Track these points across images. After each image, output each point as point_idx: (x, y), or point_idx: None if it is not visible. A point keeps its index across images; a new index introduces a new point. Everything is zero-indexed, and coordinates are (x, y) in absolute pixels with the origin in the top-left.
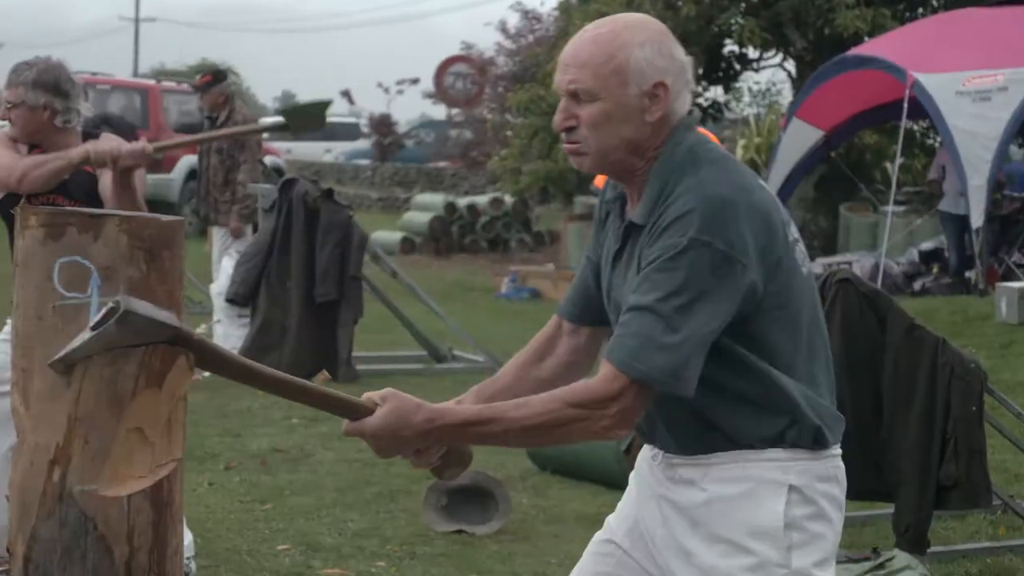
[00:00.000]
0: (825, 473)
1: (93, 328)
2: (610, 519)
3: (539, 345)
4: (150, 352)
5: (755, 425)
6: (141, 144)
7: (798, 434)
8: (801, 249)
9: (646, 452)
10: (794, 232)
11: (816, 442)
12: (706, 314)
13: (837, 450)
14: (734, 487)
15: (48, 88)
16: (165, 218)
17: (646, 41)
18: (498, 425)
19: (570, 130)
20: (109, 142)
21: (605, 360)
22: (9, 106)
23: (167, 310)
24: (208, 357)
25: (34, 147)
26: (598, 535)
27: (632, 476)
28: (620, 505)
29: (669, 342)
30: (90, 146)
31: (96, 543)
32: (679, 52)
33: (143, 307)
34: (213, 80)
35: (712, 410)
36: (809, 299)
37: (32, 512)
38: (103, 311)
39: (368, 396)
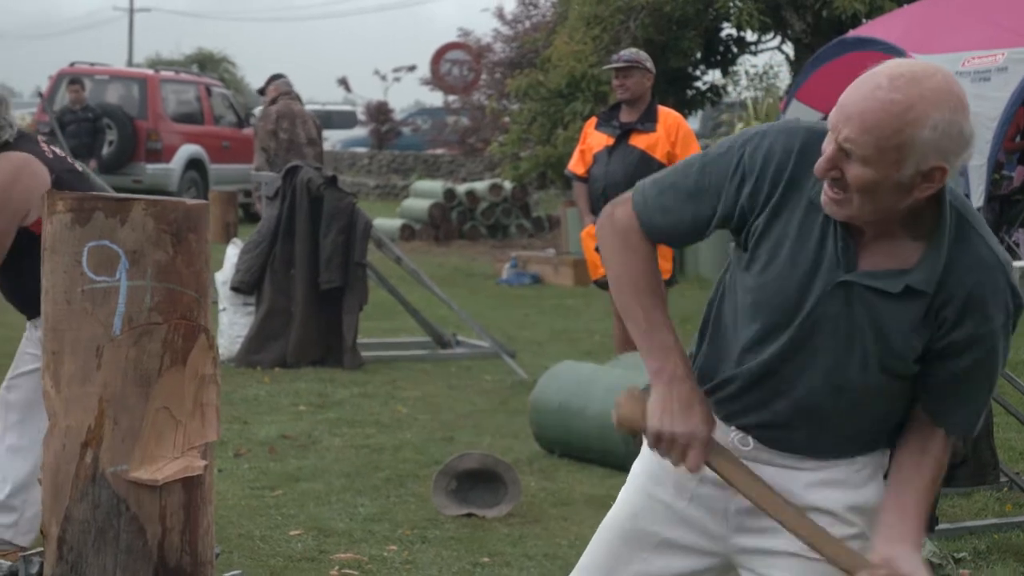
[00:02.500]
0: None
1: None
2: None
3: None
4: (172, 329)
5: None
6: None
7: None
8: None
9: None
10: None
11: None
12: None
13: None
14: (855, 468)
15: None
16: (191, 201)
17: (940, 122)
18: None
19: (835, 179)
20: None
21: (945, 429)
22: None
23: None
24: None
25: None
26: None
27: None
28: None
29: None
30: None
31: (129, 524)
32: (968, 128)
33: None
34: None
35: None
36: None
37: (65, 494)
38: None
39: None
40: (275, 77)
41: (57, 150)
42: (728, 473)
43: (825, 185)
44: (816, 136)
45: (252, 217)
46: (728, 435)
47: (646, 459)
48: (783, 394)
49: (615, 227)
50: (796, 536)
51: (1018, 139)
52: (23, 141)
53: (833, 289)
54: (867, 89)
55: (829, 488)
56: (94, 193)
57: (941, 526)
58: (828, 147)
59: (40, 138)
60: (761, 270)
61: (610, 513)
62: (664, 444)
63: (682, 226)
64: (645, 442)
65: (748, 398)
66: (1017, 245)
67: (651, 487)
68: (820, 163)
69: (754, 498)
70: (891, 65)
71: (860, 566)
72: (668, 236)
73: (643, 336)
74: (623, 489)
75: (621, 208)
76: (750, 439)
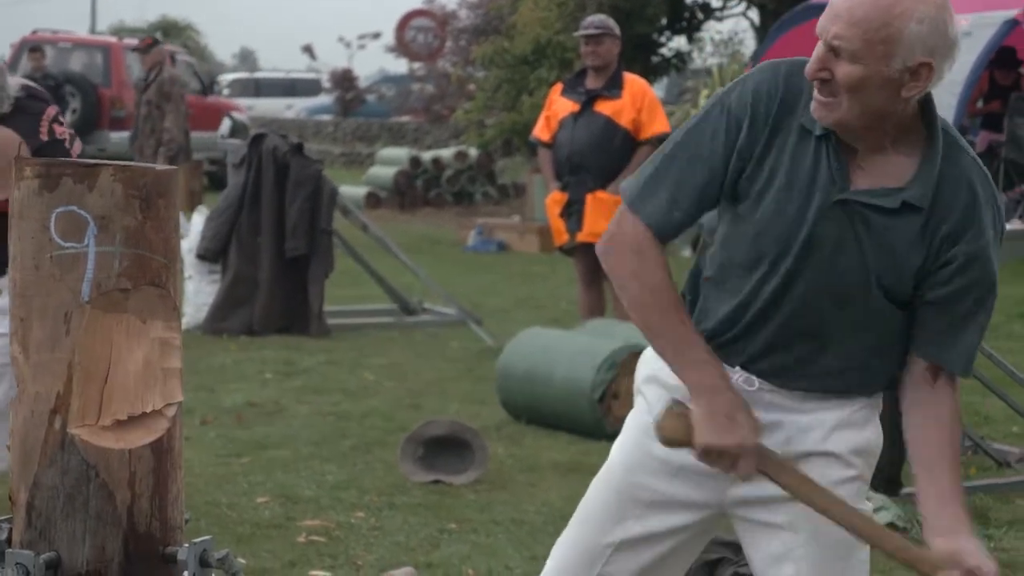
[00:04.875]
0: None
1: None
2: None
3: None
4: (141, 294)
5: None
6: None
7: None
8: None
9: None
10: None
11: None
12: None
13: None
14: (850, 409)
15: None
16: (160, 167)
17: (926, 16)
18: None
19: (823, 82)
20: None
21: (945, 368)
22: None
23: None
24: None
25: None
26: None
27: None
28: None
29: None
30: None
31: (98, 490)
32: (953, 29)
33: None
34: (153, 43)
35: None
36: None
37: (34, 460)
38: None
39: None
40: (157, 42)
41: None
42: (780, 477)
43: (815, 92)
44: (798, 65)
45: (218, 185)
46: (732, 376)
47: (640, 413)
48: (785, 322)
49: (624, 244)
50: (853, 533)
51: (981, 103)
52: (16, 114)
53: (830, 209)
54: None
55: (832, 430)
56: (62, 159)
57: (906, 490)
58: (817, 50)
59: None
60: (756, 202)
61: (604, 467)
62: (714, 457)
63: (699, 205)
64: (636, 398)
65: (751, 333)
66: None
67: (645, 441)
68: (810, 65)
69: (806, 498)
70: None
71: (924, 560)
72: (686, 224)
73: (675, 353)
74: (617, 443)
75: (624, 223)
76: (755, 379)
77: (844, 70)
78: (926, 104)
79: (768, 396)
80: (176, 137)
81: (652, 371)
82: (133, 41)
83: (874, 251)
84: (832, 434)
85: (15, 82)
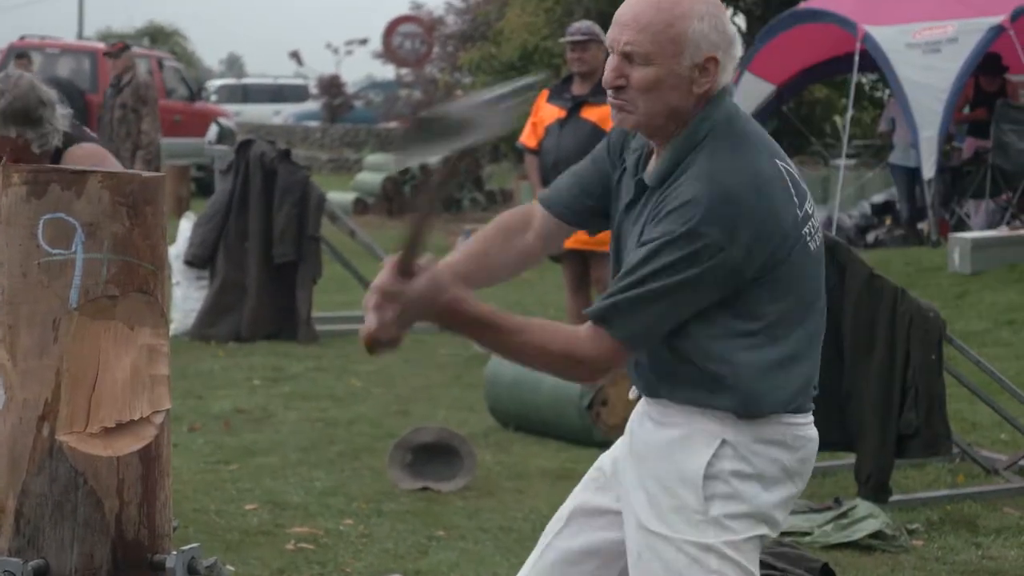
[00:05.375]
0: (772, 437)
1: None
2: (608, 451)
3: (523, 216)
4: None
5: (704, 394)
6: None
7: (741, 404)
8: (813, 223)
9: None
10: (808, 206)
11: (765, 412)
12: (686, 302)
13: (798, 418)
14: (675, 431)
15: (19, 120)
16: (147, 174)
17: (705, 14)
18: (507, 336)
19: (618, 88)
20: None
21: (594, 314)
22: None
23: None
24: None
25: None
26: (595, 464)
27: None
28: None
29: (647, 315)
30: None
31: (86, 497)
32: (730, 27)
33: None
34: (124, 48)
35: (672, 368)
36: (810, 272)
37: (22, 467)
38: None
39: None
40: (127, 46)
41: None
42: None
43: (610, 99)
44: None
45: (205, 191)
46: (631, 395)
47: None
48: None
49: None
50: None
51: (967, 110)
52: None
53: (626, 210)
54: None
55: (663, 455)
56: (49, 165)
57: (894, 497)
58: (610, 61)
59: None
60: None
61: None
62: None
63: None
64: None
65: None
66: (968, 216)
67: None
68: (606, 75)
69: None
70: None
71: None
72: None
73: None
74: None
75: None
76: (634, 389)
77: (639, 73)
78: (706, 107)
79: (643, 406)
80: (155, 140)
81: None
82: None
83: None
84: (661, 458)
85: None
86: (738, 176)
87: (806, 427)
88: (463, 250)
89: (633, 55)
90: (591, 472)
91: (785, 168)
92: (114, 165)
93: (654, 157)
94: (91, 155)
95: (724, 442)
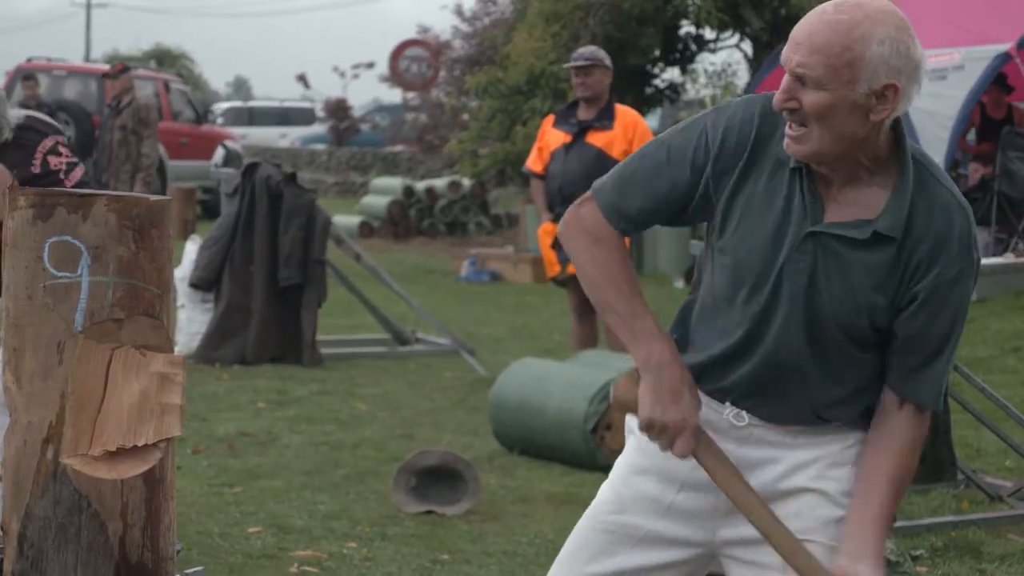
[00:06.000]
0: None
1: None
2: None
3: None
4: (134, 325)
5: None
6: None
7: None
8: None
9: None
10: None
11: None
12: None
13: None
14: (837, 445)
15: None
16: (153, 197)
17: (886, 37)
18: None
19: (791, 111)
20: None
21: (913, 401)
22: None
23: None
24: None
25: None
26: (603, 517)
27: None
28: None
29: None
30: None
31: (90, 520)
32: (916, 51)
33: None
34: (124, 69)
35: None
36: None
37: (26, 490)
38: None
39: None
40: (127, 68)
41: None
42: (711, 465)
43: (785, 126)
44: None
45: (211, 213)
46: (723, 412)
47: (630, 452)
48: (766, 354)
49: (581, 225)
50: (765, 538)
51: (973, 135)
52: (11, 147)
53: (802, 242)
54: (814, 17)
55: (826, 467)
56: (56, 189)
57: (898, 523)
58: (784, 81)
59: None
60: (733, 234)
61: (591, 507)
62: (655, 431)
63: (657, 200)
64: (628, 437)
65: (736, 367)
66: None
67: (636, 480)
68: (777, 96)
69: (731, 494)
70: None
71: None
72: (642, 216)
73: (625, 325)
74: (605, 484)
75: (584, 207)
76: (744, 415)
77: (811, 98)
78: (899, 132)
79: (758, 432)
80: (155, 163)
81: None
82: None
83: (842, 284)
84: (826, 472)
85: (16, 113)
86: (958, 192)
87: None
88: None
89: (805, 78)
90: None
91: None
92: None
93: (826, 186)
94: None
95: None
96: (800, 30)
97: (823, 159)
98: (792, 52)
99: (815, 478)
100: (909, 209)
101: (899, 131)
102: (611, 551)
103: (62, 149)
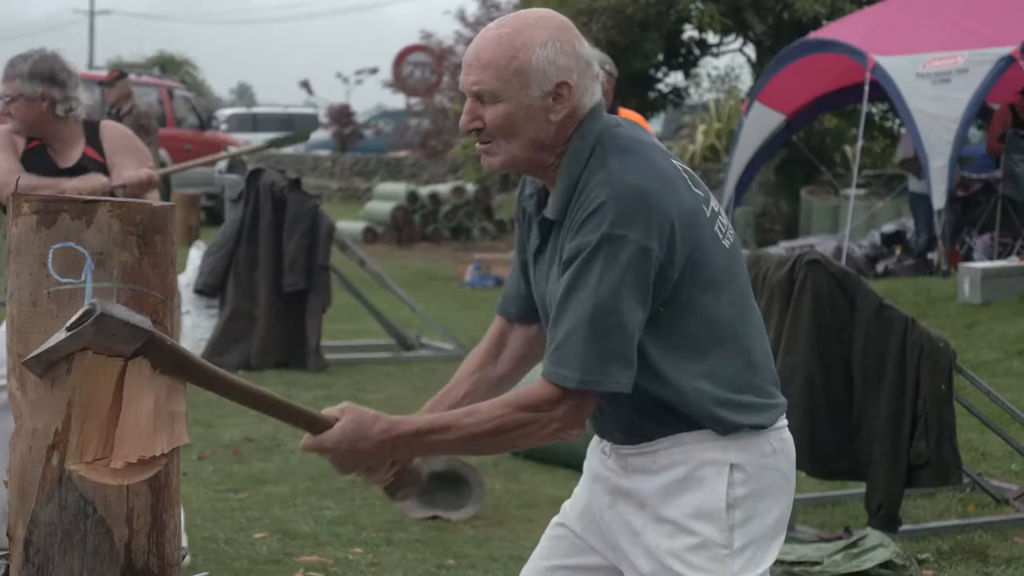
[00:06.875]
0: (768, 447)
1: (69, 328)
2: (565, 504)
3: (490, 344)
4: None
5: (675, 419)
6: (146, 173)
7: (724, 423)
8: (723, 222)
9: (595, 442)
10: (714, 205)
11: (751, 425)
12: (628, 309)
13: (780, 422)
14: (679, 470)
15: (44, 78)
16: (157, 203)
17: (548, 40)
18: (452, 433)
19: (478, 131)
20: (97, 179)
21: (546, 367)
22: (7, 99)
23: (142, 315)
24: (179, 362)
25: (32, 140)
26: (554, 519)
27: (585, 462)
28: (576, 490)
29: (596, 346)
30: (80, 183)
31: (96, 526)
32: (583, 48)
33: (119, 311)
34: (120, 76)
35: (642, 404)
36: (734, 270)
37: (31, 496)
38: (79, 313)
39: (327, 411)
40: (123, 75)
41: None
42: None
43: (477, 146)
44: None
45: (215, 219)
46: (600, 446)
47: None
48: None
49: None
50: (261, 411)
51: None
52: None
53: (535, 258)
54: (479, 37)
55: (666, 495)
56: (59, 195)
57: (904, 527)
58: (466, 104)
59: None
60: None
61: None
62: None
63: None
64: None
65: None
66: (972, 249)
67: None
68: (462, 119)
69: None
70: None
71: (320, 418)
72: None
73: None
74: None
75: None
76: (607, 445)
77: (491, 112)
78: (580, 127)
79: (612, 462)
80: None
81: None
82: (131, 76)
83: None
84: (667, 499)
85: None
86: (641, 173)
87: (786, 427)
88: (430, 406)
89: (482, 94)
90: (554, 530)
91: (683, 167)
92: (143, 150)
93: (551, 194)
94: (125, 134)
95: (733, 466)
96: (469, 52)
97: (519, 167)
98: (466, 74)
99: (658, 507)
100: (570, 191)
101: (580, 127)
102: (549, 554)
103: None
